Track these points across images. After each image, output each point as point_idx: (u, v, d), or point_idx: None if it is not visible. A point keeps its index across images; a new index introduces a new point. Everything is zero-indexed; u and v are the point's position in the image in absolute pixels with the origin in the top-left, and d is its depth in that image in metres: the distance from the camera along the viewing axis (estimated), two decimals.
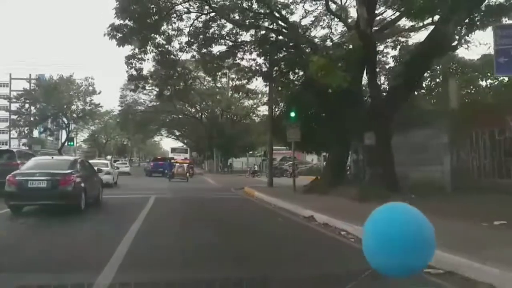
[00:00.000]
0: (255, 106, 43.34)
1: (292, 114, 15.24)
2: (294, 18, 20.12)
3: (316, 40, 17.60)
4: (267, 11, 15.99)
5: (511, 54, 6.32)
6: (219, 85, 42.10)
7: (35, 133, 49.92)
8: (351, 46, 12.08)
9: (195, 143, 57.31)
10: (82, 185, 10.07)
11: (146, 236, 7.04)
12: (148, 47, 17.70)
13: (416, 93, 15.83)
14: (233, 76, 26.42)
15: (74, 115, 46.17)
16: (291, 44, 15.33)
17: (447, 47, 10.33)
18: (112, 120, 59.44)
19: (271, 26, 17.52)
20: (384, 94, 12.69)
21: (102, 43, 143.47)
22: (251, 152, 50.74)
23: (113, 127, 62.27)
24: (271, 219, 10.17)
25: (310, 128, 15.12)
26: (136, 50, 18.68)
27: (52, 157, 12.11)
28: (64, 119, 46.48)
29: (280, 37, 16.08)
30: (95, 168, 15.67)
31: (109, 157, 57.43)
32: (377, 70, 17.95)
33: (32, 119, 44.98)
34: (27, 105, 44.49)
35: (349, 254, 5.85)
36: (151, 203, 12.55)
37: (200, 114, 47.85)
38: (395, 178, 11.24)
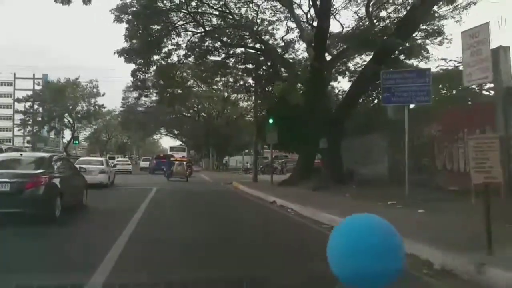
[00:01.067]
0: (249, 108, 46.51)
1: (270, 121, 18.56)
2: (279, 33, 23.47)
3: (295, 54, 21.04)
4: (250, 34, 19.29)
5: (391, 91, 9.54)
6: (215, 87, 45.28)
7: (41, 132, 52.90)
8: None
9: (193, 141, 60.42)
10: (58, 188, 8.22)
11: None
12: (151, 63, 20.85)
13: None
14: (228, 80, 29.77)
15: (79, 115, 49.33)
16: (269, 63, 18.60)
17: (376, 79, 13.52)
18: (113, 120, 62.42)
19: (255, 45, 20.87)
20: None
21: (104, 44, 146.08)
22: (246, 151, 53.93)
23: (114, 126, 65.14)
24: (244, 202, 13.53)
25: (285, 132, 18.36)
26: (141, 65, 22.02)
27: (21, 154, 10.03)
28: (70, 119, 49.66)
29: (261, 57, 19.37)
30: (85, 166, 14.67)
31: (119, 156, 57.81)
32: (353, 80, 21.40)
33: (39, 119, 48.09)
34: (35, 106, 47.59)
35: (284, 220, 9.37)
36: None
37: (197, 115, 51.03)
38: (342, 173, 14.54)
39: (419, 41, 14.77)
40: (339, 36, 16.05)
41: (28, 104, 48.92)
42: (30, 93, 61.91)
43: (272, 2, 19.56)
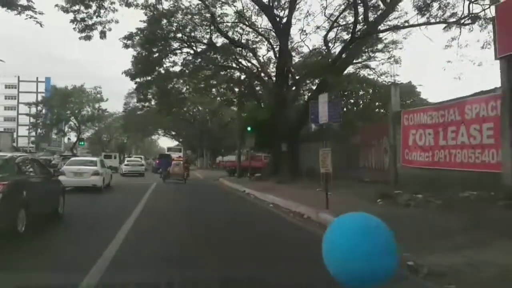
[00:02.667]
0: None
1: (249, 129, 23.13)
2: (261, 51, 27.94)
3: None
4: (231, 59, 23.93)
5: (316, 114, 14.02)
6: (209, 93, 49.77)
7: (50, 134, 57.24)
8: None
9: (189, 142, 64.94)
10: (22, 196, 6.94)
11: None
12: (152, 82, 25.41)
13: None
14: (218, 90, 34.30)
15: (84, 118, 53.90)
16: (247, 81, 23.19)
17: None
18: (114, 122, 66.76)
19: (237, 66, 25.44)
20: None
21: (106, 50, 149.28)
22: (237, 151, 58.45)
23: (115, 127, 69.45)
24: (222, 191, 18.14)
25: (260, 138, 22.92)
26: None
27: None
28: (76, 122, 54.17)
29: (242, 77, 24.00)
30: (77, 167, 15.02)
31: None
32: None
33: (48, 122, 52.59)
34: (44, 110, 52.08)
35: (243, 200, 14.02)
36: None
37: (193, 119, 55.55)
38: (299, 170, 19.13)
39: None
40: (299, 64, 20.67)
41: (38, 108, 53.41)
42: (38, 97, 66.46)
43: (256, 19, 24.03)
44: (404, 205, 9.20)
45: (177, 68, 26.77)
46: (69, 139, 59.34)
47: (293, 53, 23.69)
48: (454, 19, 15.26)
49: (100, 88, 53.40)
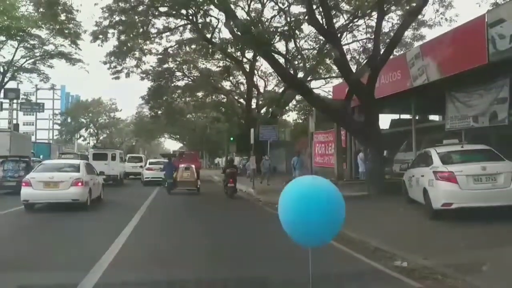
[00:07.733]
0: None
1: (231, 139, 32.12)
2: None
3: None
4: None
5: (264, 133, 22.76)
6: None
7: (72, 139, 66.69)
8: None
9: (192, 145, 73.89)
10: None
11: None
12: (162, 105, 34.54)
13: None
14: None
15: (102, 126, 63.30)
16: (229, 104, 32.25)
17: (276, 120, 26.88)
18: (126, 127, 75.78)
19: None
20: None
21: None
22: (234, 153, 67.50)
23: (126, 132, 78.48)
24: (208, 182, 27.11)
25: (240, 145, 31.88)
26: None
27: None
28: (94, 129, 63.56)
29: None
30: (50, 174, 10.83)
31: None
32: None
33: (72, 129, 62.03)
34: (69, 119, 61.47)
35: (219, 186, 23.08)
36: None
37: (194, 126, 64.44)
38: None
39: None
40: (263, 93, 29.71)
41: (63, 117, 62.91)
42: (54, 103, 75.83)
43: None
44: None
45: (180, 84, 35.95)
46: (88, 143, 68.49)
47: (270, 77, 33.05)
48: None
49: (115, 100, 62.46)
